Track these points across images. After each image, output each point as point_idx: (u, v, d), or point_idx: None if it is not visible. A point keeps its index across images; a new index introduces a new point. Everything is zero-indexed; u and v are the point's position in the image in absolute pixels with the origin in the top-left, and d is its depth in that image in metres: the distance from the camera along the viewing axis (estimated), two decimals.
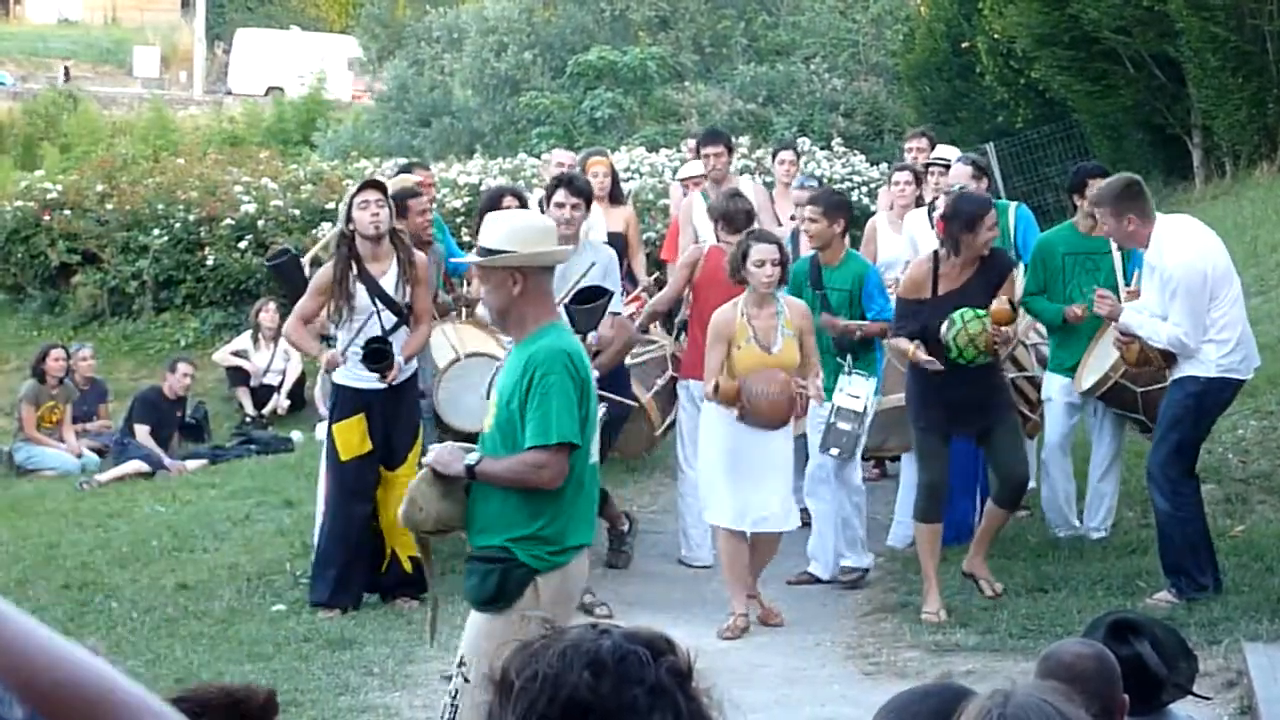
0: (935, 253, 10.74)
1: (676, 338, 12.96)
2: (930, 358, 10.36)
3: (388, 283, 10.92)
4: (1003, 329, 10.33)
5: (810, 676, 9.60)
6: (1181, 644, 5.85)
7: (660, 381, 12.51)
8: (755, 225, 11.41)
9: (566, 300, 10.29)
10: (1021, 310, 11.23)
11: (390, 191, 11.26)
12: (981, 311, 10.31)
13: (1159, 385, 10.70)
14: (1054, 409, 11.82)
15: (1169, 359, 10.30)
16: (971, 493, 11.66)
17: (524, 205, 12.71)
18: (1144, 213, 10.25)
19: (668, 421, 12.60)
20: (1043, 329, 12.14)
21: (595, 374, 6.92)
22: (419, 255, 11.09)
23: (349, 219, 10.85)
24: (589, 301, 10.62)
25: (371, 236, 10.81)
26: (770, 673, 9.58)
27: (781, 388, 10.27)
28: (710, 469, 10.76)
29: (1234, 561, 10.72)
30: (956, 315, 10.33)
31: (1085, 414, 11.96)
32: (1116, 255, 11.40)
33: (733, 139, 15.65)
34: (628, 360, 12.11)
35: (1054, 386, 11.79)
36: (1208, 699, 5.55)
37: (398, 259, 10.91)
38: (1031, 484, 12.49)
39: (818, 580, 11.69)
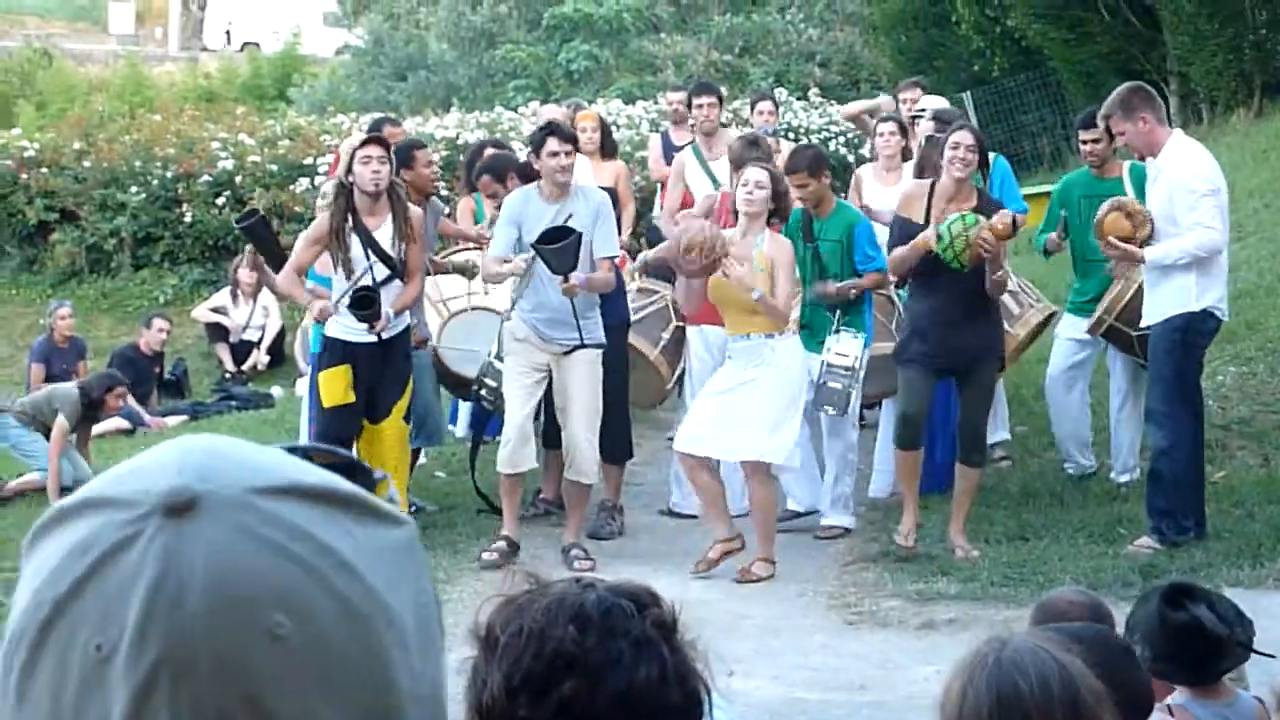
0: (933, 181, 10.76)
1: None
2: (929, 234, 10.36)
3: (383, 237, 10.90)
4: (993, 241, 10.22)
5: (793, 627, 9.63)
6: (1235, 608, 5.84)
7: (666, 334, 12.26)
8: None
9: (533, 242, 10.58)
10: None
11: (396, 144, 11.49)
12: (983, 219, 10.24)
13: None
14: (1058, 344, 12.03)
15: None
16: (951, 440, 11.62)
17: (509, 155, 12.73)
18: (1158, 115, 10.35)
19: (678, 372, 12.40)
20: (1026, 282, 12.25)
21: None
22: (415, 211, 11.12)
23: (349, 171, 10.90)
24: (555, 241, 10.57)
25: (371, 192, 10.81)
26: (753, 624, 9.59)
27: (701, 234, 10.28)
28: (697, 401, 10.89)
29: (1215, 508, 10.75)
30: (956, 215, 10.29)
31: (1102, 354, 12.07)
32: (1130, 193, 11.33)
33: None
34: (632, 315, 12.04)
35: (1064, 323, 12.01)
36: (1271, 656, 5.51)
37: (394, 214, 10.92)
38: (1005, 435, 12.59)
39: (796, 515, 11.74)
